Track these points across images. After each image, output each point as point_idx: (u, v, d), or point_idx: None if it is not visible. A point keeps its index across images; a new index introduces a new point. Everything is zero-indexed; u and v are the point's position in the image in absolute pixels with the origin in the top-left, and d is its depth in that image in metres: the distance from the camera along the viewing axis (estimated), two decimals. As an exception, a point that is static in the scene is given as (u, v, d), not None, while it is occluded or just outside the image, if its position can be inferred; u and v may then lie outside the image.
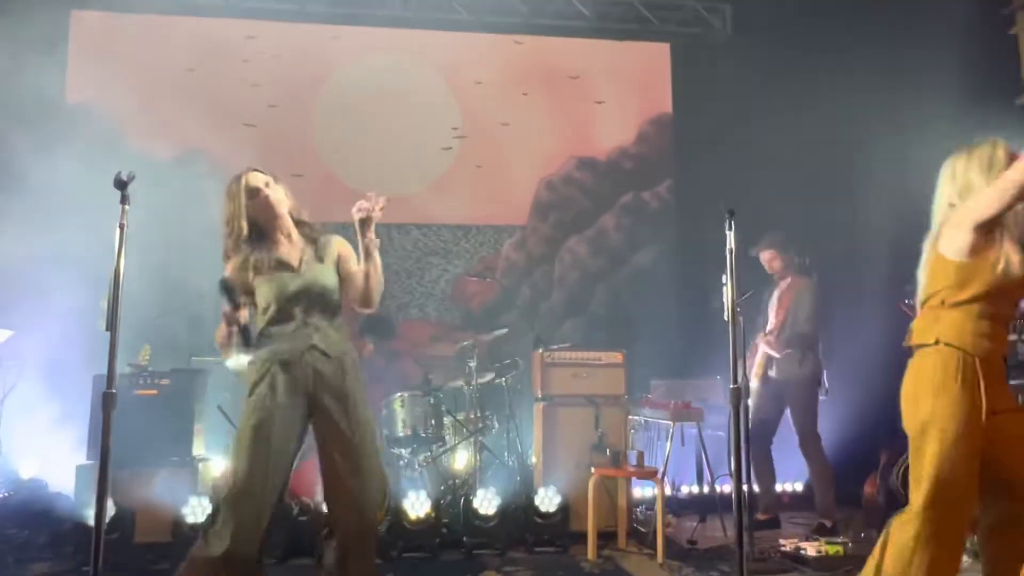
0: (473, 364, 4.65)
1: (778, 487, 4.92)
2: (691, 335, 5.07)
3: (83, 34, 5.50)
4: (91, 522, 3.30)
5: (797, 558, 3.43)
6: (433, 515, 3.67)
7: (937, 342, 2.05)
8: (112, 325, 1.89)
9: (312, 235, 2.46)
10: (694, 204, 5.91)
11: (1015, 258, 1.96)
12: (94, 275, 3.46)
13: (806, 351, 4.35)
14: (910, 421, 2.14)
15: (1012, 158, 2.04)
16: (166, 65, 5.52)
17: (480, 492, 3.80)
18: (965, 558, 3.58)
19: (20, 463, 4.37)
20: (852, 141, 5.61)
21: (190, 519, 3.46)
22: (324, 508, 2.38)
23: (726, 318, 2.32)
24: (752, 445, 4.39)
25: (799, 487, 5.02)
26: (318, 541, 2.36)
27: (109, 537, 2.07)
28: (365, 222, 2.40)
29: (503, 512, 3.76)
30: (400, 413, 4.28)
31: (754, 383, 4.43)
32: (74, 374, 4.21)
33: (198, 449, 4.00)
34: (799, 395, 4.39)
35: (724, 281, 2.32)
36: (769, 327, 4.46)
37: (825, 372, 4.52)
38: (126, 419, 2.47)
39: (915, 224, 5.25)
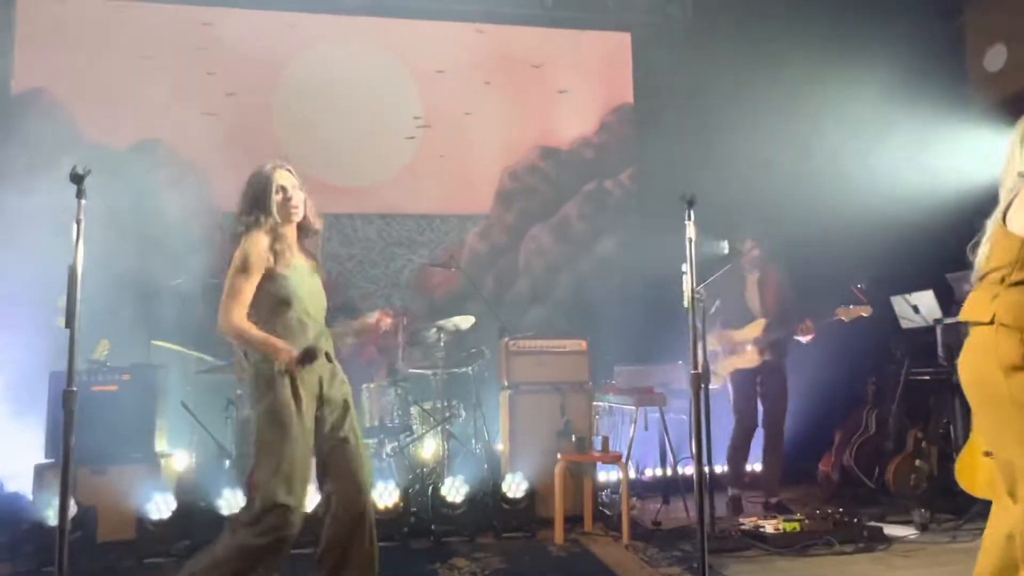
0: (440, 354, 4.67)
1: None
2: (653, 322, 5.14)
3: (30, 20, 5.30)
4: (52, 522, 3.26)
5: (756, 535, 3.51)
6: (401, 504, 3.70)
7: (992, 321, 1.96)
8: (71, 322, 1.86)
9: (311, 249, 2.52)
10: (656, 192, 5.96)
11: None
12: (44, 270, 3.39)
13: (788, 336, 4.46)
14: (980, 400, 2.03)
15: None
16: (119, 52, 5.35)
17: (448, 480, 3.83)
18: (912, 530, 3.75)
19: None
20: (810, 127, 5.72)
21: (154, 515, 3.41)
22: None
23: (686, 305, 2.37)
24: (743, 432, 4.52)
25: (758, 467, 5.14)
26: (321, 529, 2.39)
27: (72, 536, 2.03)
28: None
29: (471, 499, 3.79)
30: (367, 403, 4.27)
31: (735, 367, 4.52)
32: (28, 373, 4.11)
33: (160, 445, 3.94)
34: (779, 381, 4.50)
35: (684, 270, 2.37)
36: (761, 316, 4.53)
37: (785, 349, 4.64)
38: (85, 416, 2.41)
39: (870, 210, 5.44)
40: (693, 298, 2.35)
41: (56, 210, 1.96)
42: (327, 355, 2.39)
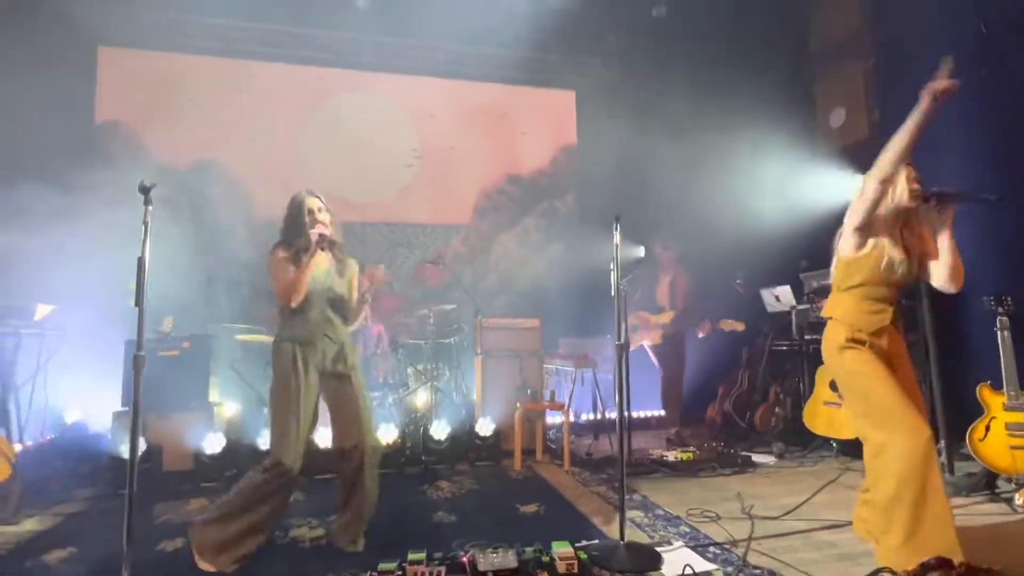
0: (430, 328, 4.62)
1: (644, 413, 5.13)
2: (589, 306, 5.16)
3: (107, 65, 5.05)
4: (126, 456, 3.14)
5: (661, 462, 3.56)
6: (399, 441, 3.65)
7: (831, 318, 2.10)
8: (139, 302, 1.78)
9: (339, 256, 2.45)
10: (592, 211, 5.99)
11: (896, 254, 1.96)
12: (122, 264, 3.25)
13: (695, 322, 4.53)
14: (830, 369, 2.16)
15: (909, 175, 1.97)
16: (179, 94, 5.14)
17: (435, 423, 3.79)
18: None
19: (64, 412, 4.07)
20: (708, 159, 5.78)
21: (208, 451, 3.31)
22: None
23: (613, 294, 2.38)
24: (672, 386, 4.59)
25: (659, 413, 5.21)
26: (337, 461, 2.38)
27: (142, 467, 1.95)
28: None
29: (452, 437, 3.77)
30: (374, 366, 4.21)
31: (652, 343, 4.57)
32: (109, 340, 3.94)
33: (213, 396, 3.82)
34: (679, 353, 4.57)
35: (612, 267, 2.37)
36: (669, 308, 4.58)
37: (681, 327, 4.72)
38: (153, 375, 2.34)
39: (747, 226, 5.52)
40: (618, 288, 2.35)
41: (133, 215, 1.85)
42: (327, 335, 2.34)
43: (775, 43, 5.54)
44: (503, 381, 4.09)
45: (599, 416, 4.68)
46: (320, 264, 2.35)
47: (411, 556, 2.00)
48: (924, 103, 1.81)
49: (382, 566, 1.96)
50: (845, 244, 2.05)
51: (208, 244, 4.88)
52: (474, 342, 4.40)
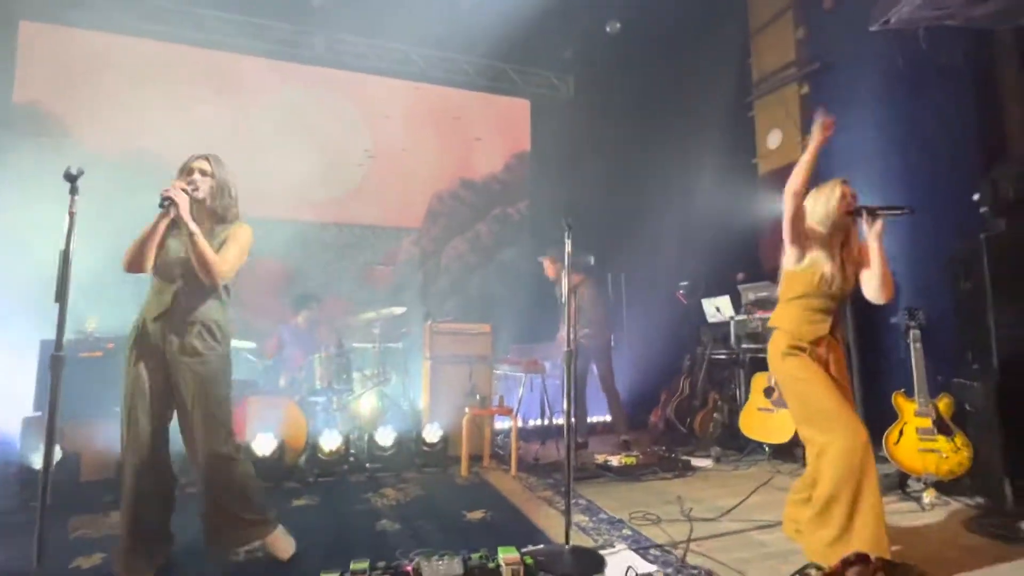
0: (377, 332, 4.53)
1: (592, 419, 5.22)
2: (539, 312, 5.21)
3: (30, 41, 4.66)
4: (37, 465, 2.88)
5: (606, 467, 3.62)
6: (343, 448, 3.55)
7: (777, 327, 2.21)
8: (61, 297, 1.64)
9: (211, 224, 2.18)
10: (544, 218, 6.07)
11: (829, 268, 2.10)
12: (40, 255, 3.00)
13: (602, 327, 4.59)
14: (775, 376, 2.26)
15: (845, 193, 2.13)
16: (110, 77, 4.81)
17: (381, 429, 3.71)
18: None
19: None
20: (655, 174, 5.99)
21: (128, 461, 3.09)
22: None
23: (563, 301, 2.41)
24: (609, 391, 4.67)
25: (607, 419, 5.31)
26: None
27: (56, 477, 1.79)
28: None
29: (398, 443, 3.70)
30: (318, 369, 4.07)
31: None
32: (19, 339, 3.62)
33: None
34: (603, 356, 4.65)
35: (563, 275, 2.40)
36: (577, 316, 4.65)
37: (613, 336, 4.83)
38: (74, 377, 2.18)
39: (691, 239, 5.74)
40: (569, 294, 2.39)
41: (57, 206, 1.70)
42: (180, 316, 2.06)
43: (720, 68, 5.82)
44: (452, 386, 4.06)
45: (547, 421, 4.72)
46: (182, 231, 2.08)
47: (353, 566, 1.94)
48: (816, 133, 2.10)
49: (323, 577, 1.89)
50: (786, 259, 2.18)
51: (105, 247, 4.58)
52: (423, 346, 4.34)
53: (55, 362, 1.65)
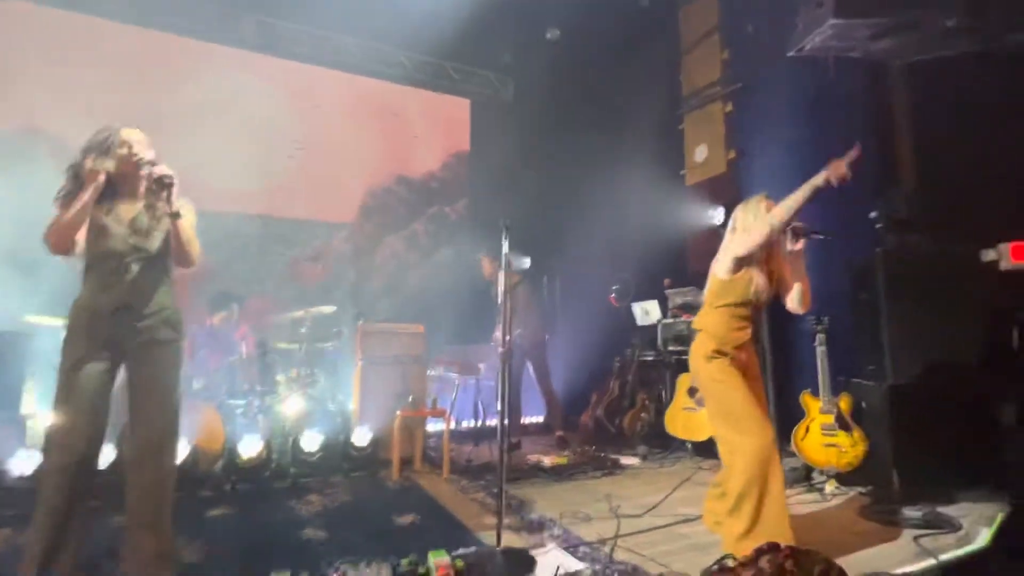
0: (305, 331, 4.32)
1: (526, 420, 5.28)
2: (475, 313, 5.19)
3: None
4: None
5: (538, 467, 3.66)
6: (264, 453, 3.36)
7: (701, 330, 2.30)
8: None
9: (156, 202, 2.04)
10: (482, 218, 6.06)
11: (762, 280, 2.22)
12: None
13: (537, 327, 4.67)
14: (696, 379, 2.35)
15: (769, 207, 2.23)
16: (18, 48, 4.31)
17: (306, 433, 3.55)
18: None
19: None
20: (590, 181, 6.13)
21: (15, 472, 2.76)
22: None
23: (500, 301, 2.41)
24: (546, 392, 4.74)
25: (540, 419, 5.38)
26: None
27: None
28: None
29: (325, 447, 3.56)
30: (239, 371, 3.83)
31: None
32: None
33: (26, 407, 3.20)
34: (538, 355, 4.72)
35: (499, 276, 2.41)
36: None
37: (547, 337, 4.92)
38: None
39: (623, 245, 5.93)
40: (506, 295, 2.39)
41: None
42: (128, 303, 1.92)
43: (653, 81, 6.07)
44: (383, 388, 3.95)
45: (480, 423, 4.70)
46: (123, 211, 1.95)
47: (273, 578, 1.83)
48: (823, 178, 2.10)
49: (239, 592, 1.78)
50: (722, 267, 2.29)
51: (34, 225, 4.12)
52: (354, 347, 4.20)
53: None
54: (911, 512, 2.62)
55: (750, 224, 2.23)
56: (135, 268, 1.95)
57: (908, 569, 2.05)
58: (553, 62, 5.91)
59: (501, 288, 2.39)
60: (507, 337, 2.48)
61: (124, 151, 1.95)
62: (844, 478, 3.20)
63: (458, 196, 6.26)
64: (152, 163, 1.96)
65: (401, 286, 5.82)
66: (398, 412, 3.66)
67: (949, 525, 2.53)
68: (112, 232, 1.93)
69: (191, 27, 4.99)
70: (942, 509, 2.70)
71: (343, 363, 4.63)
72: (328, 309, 4.43)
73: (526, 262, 5.07)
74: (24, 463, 2.78)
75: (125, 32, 4.75)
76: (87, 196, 1.88)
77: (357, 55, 5.69)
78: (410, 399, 3.73)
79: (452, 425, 3.86)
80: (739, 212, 2.32)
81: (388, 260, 5.83)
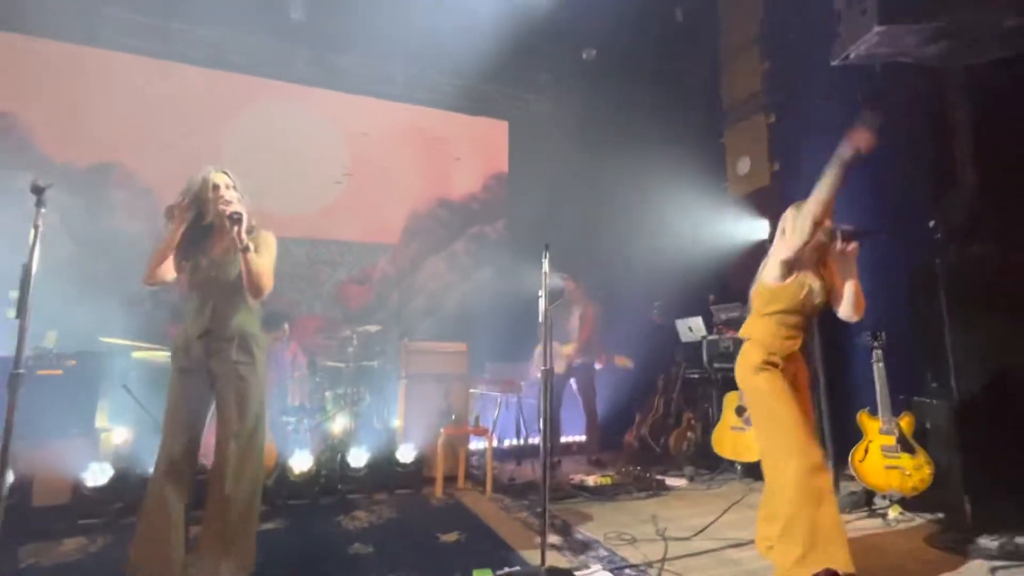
0: (351, 350, 4.46)
1: (567, 439, 5.24)
2: (516, 331, 5.21)
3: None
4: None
5: (581, 487, 3.62)
6: (314, 468, 3.46)
7: (749, 338, 2.24)
8: (22, 313, 1.59)
9: (246, 239, 2.19)
10: (521, 237, 6.12)
11: (815, 284, 2.16)
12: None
13: (596, 353, 4.69)
14: (743, 389, 2.26)
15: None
16: (80, 89, 4.72)
17: (353, 450, 3.64)
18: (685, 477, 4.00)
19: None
20: (630, 197, 6.10)
21: (90, 482, 2.95)
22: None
23: (540, 320, 2.42)
24: (588, 412, 4.77)
25: (580, 438, 5.30)
26: None
27: (8, 501, 1.71)
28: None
29: (371, 464, 3.63)
30: (290, 389, 3.98)
31: (556, 370, 4.69)
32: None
33: (101, 422, 3.43)
34: (587, 380, 4.72)
35: (540, 294, 2.43)
36: (574, 340, 4.75)
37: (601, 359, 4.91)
38: (30, 396, 2.08)
39: (666, 261, 5.85)
40: (546, 315, 2.40)
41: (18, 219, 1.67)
42: (212, 330, 2.14)
43: (692, 95, 6.03)
44: (427, 406, 4.01)
45: (522, 441, 4.69)
46: (214, 248, 2.18)
47: (323, 591, 1.88)
48: (848, 149, 2.01)
49: (291, 604, 1.83)
50: (770, 273, 2.20)
51: (106, 254, 4.46)
52: (398, 366, 4.29)
53: (13, 380, 1.59)
54: (986, 541, 2.44)
55: (798, 226, 2.15)
56: (217, 296, 2.17)
57: (983, 603, 1.90)
58: (589, 80, 5.97)
59: (542, 307, 2.41)
60: (548, 355, 2.49)
61: (212, 194, 2.17)
62: (910, 504, 3.01)
63: (497, 216, 6.36)
64: (228, 203, 2.16)
65: (443, 305, 5.92)
66: (441, 430, 3.71)
67: (1030, 556, 2.33)
68: (202, 267, 2.17)
69: (248, 64, 5.33)
70: (1021, 539, 2.50)
71: (388, 382, 4.74)
72: (373, 328, 4.57)
73: (560, 283, 5.07)
74: (98, 475, 2.97)
75: (188, 72, 5.13)
76: (173, 233, 2.11)
77: (400, 83, 5.92)
78: (453, 417, 3.78)
79: (495, 443, 3.87)
80: (788, 215, 2.23)
81: (430, 280, 5.96)
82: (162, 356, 3.80)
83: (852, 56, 3.35)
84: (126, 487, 3.01)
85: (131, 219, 4.65)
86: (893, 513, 2.94)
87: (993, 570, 2.21)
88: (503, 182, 6.44)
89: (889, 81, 3.77)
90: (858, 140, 1.99)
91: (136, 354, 3.83)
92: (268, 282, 2.19)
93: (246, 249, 2.11)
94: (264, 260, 2.20)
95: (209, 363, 2.14)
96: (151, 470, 2.98)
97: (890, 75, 3.75)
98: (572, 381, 4.77)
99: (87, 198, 4.55)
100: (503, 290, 5.93)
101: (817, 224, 2.07)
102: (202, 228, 2.18)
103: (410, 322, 5.38)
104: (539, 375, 4.66)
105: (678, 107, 6.03)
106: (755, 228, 5.08)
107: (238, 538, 2.09)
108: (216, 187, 2.18)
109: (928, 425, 3.08)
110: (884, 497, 3.06)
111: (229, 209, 2.12)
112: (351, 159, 5.69)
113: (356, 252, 5.68)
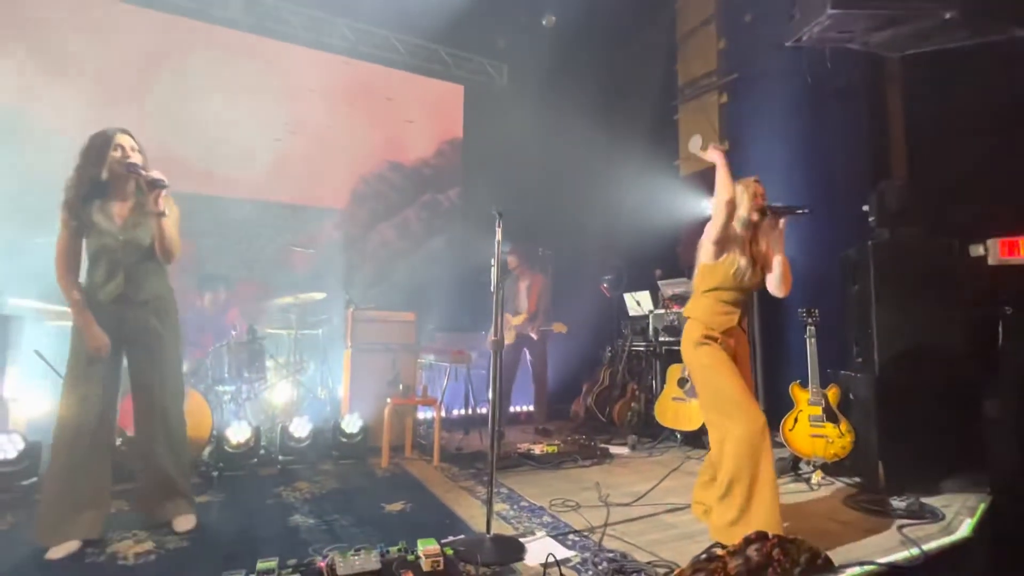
0: (294, 318, 4.28)
1: (514, 408, 5.30)
2: (466, 301, 5.17)
3: None
4: None
5: (528, 455, 3.66)
6: (252, 440, 3.33)
7: (690, 317, 2.31)
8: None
9: (144, 200, 2.22)
10: (475, 206, 6.02)
11: (743, 262, 2.23)
12: None
13: (545, 323, 4.72)
14: (687, 364, 2.35)
15: (757, 191, 2.26)
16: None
17: (295, 420, 3.52)
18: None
19: None
20: (583, 169, 6.09)
21: (-1, 455, 2.71)
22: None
23: (492, 290, 2.38)
24: (539, 382, 4.81)
25: (528, 408, 5.38)
26: None
27: None
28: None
29: (314, 434, 3.53)
30: (226, 356, 3.77)
31: (507, 341, 4.70)
32: None
33: (7, 391, 3.14)
34: (540, 351, 4.76)
35: (492, 264, 2.38)
36: (523, 312, 4.76)
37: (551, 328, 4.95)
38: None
39: (615, 236, 5.91)
40: (498, 284, 2.36)
41: None
42: (126, 295, 2.16)
43: (649, 71, 6.02)
44: (373, 376, 3.92)
45: (470, 411, 4.70)
46: (114, 209, 2.15)
47: (260, 565, 1.81)
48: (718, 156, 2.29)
49: (225, 579, 1.75)
50: (704, 253, 2.29)
51: (14, 207, 4.02)
52: (345, 334, 4.16)
53: None
54: (896, 502, 2.65)
55: (713, 214, 2.25)
56: (129, 261, 2.16)
57: (892, 558, 2.07)
58: (548, 49, 5.84)
59: (494, 277, 2.36)
60: (499, 326, 2.45)
61: (117, 154, 2.13)
62: (830, 469, 3.23)
63: (451, 183, 6.20)
64: (141, 167, 2.13)
65: (392, 274, 5.77)
66: (388, 400, 3.64)
67: (933, 515, 2.56)
68: (104, 229, 2.12)
69: (179, 5, 4.86)
70: (926, 500, 2.74)
71: (333, 350, 4.60)
72: (318, 295, 4.39)
73: (538, 252, 5.04)
74: (6, 447, 2.72)
75: (113, 9, 4.62)
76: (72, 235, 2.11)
77: (350, 37, 5.59)
78: (400, 387, 3.71)
79: (443, 413, 3.84)
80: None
81: (379, 247, 5.78)
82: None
83: (805, 38, 3.42)
84: (40, 461, 2.78)
85: (43, 168, 4.20)
86: (816, 478, 3.15)
87: (901, 527, 2.41)
88: (457, 148, 6.27)
89: (836, 66, 3.88)
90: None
91: (49, 321, 3.51)
92: (178, 248, 2.24)
93: (162, 215, 2.14)
94: (174, 225, 2.23)
95: (122, 328, 2.15)
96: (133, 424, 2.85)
97: (838, 60, 3.86)
98: (526, 351, 4.79)
99: (-11, 143, 4.07)
100: (455, 259, 5.83)
101: (730, 202, 2.19)
102: (99, 186, 2.12)
103: (358, 290, 5.21)
104: (506, 344, 4.71)
105: (635, 80, 6.03)
106: (704, 205, 5.20)
107: (178, 487, 2.30)
108: (121, 147, 2.14)
109: (852, 396, 3.29)
110: (809, 463, 3.27)
111: (152, 175, 2.10)
112: (294, 116, 5.36)
113: (301, 216, 5.41)
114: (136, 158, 2.16)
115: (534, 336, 4.72)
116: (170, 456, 2.28)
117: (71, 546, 2.04)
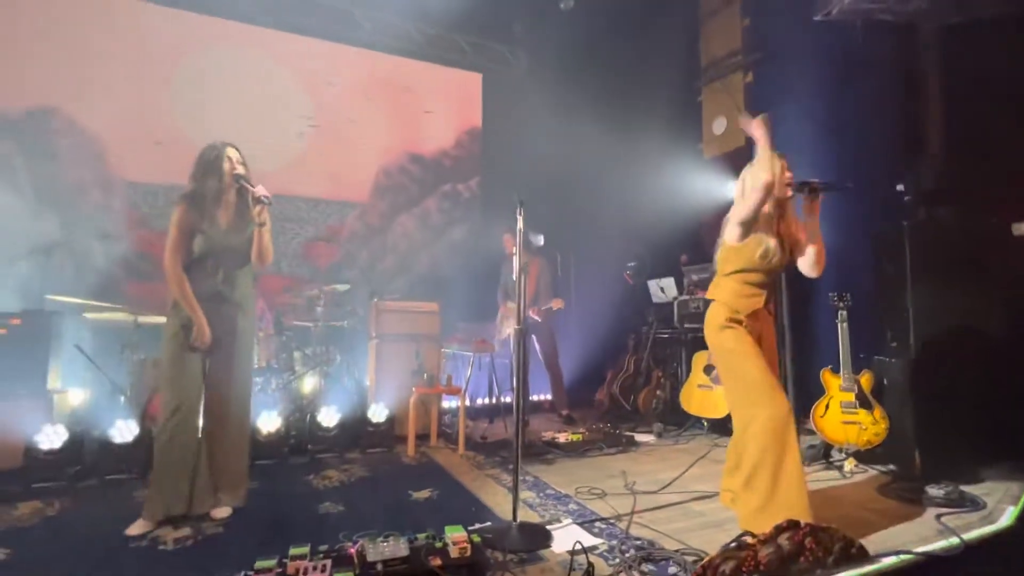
0: (320, 310, 4.35)
1: (538, 397, 5.29)
2: (489, 290, 5.17)
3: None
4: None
5: (552, 444, 3.66)
6: (283, 429, 3.40)
7: (714, 300, 2.24)
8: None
9: (247, 210, 2.46)
10: (495, 195, 6.01)
11: (771, 243, 2.15)
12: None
13: (546, 303, 4.64)
14: (711, 348, 2.28)
15: (783, 168, 2.16)
16: (19, 27, 4.28)
17: (323, 409, 3.58)
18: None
19: None
20: (605, 155, 6.00)
21: (43, 445, 2.82)
22: None
23: (515, 278, 2.37)
24: (551, 367, 4.76)
25: (548, 397, 5.36)
26: None
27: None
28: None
29: (342, 424, 3.58)
30: (257, 349, 3.86)
31: (510, 331, 4.66)
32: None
33: (53, 383, 3.27)
34: (548, 337, 4.71)
35: (515, 252, 2.36)
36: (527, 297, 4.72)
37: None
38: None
39: (638, 221, 5.82)
40: (521, 274, 2.35)
41: None
42: (222, 294, 2.36)
43: (670, 52, 5.87)
44: (398, 366, 3.96)
45: (494, 400, 4.72)
46: (219, 216, 2.34)
47: (292, 551, 1.85)
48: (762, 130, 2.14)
49: (259, 564, 1.80)
50: (730, 234, 2.20)
51: (49, 207, 4.16)
52: (369, 325, 4.21)
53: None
54: (933, 490, 2.57)
55: (748, 193, 2.13)
56: (228, 262, 2.37)
57: (930, 547, 2.01)
58: (566, 33, 5.75)
59: (516, 265, 2.35)
60: (522, 315, 2.44)
61: (227, 166, 2.35)
62: (864, 457, 3.15)
63: (471, 174, 6.19)
64: (248, 179, 2.36)
65: (414, 264, 5.81)
66: (413, 389, 3.67)
67: (973, 504, 2.48)
68: (210, 232, 2.32)
69: (199, 1, 4.92)
70: (966, 488, 2.65)
71: (358, 341, 4.66)
72: (342, 287, 4.45)
73: (540, 239, 5.00)
74: (52, 438, 2.84)
75: (134, 8, 4.70)
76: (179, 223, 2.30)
77: (368, 29, 5.59)
78: (424, 376, 3.74)
79: (467, 402, 3.86)
80: (746, 173, 2.20)
81: (401, 239, 5.81)
82: (118, 316, 3.61)
83: (835, 12, 3.28)
84: (83, 450, 2.90)
85: (77, 169, 4.33)
86: (848, 466, 3.08)
87: (939, 516, 2.33)
88: (476, 138, 6.24)
89: (868, 39, 3.73)
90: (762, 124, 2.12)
91: (88, 314, 3.63)
92: (272, 254, 2.47)
93: (263, 225, 2.37)
94: (268, 234, 2.44)
95: (213, 324, 2.31)
96: (110, 432, 2.90)
97: (869, 33, 3.70)
98: (533, 338, 4.76)
99: (23, 147, 4.20)
100: (476, 249, 5.83)
101: (768, 185, 2.06)
102: (212, 197, 2.33)
103: (380, 281, 5.26)
104: (505, 334, 4.69)
105: (656, 63, 5.88)
106: (729, 189, 5.08)
107: (229, 472, 2.44)
108: (230, 160, 2.36)
109: (886, 382, 3.19)
110: (841, 450, 3.19)
111: (258, 192, 2.32)
112: (315, 110, 5.41)
113: (323, 209, 5.47)
114: (241, 170, 2.37)
115: (537, 318, 4.63)
116: (232, 452, 2.46)
117: (147, 525, 2.23)
